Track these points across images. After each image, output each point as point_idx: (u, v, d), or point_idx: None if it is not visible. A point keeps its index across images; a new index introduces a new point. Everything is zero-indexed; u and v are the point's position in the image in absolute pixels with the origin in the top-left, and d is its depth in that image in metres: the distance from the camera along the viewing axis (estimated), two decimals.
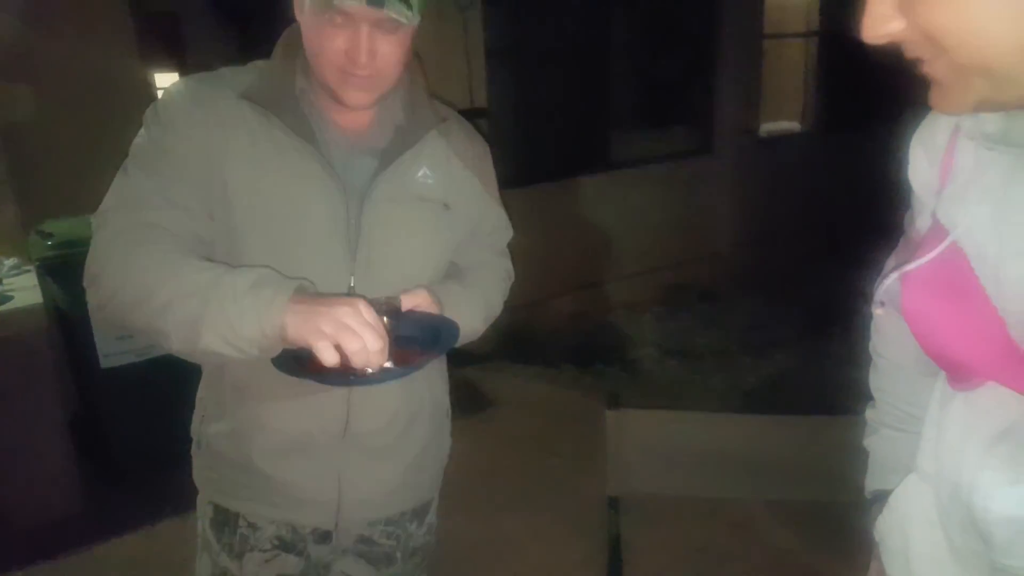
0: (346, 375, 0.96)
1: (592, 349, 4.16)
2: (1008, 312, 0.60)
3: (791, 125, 6.25)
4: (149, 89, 3.98)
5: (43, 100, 3.08)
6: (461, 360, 4.15)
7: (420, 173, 1.13)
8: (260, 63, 1.12)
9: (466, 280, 1.20)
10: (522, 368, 3.86)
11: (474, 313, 1.17)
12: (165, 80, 6.01)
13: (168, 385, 1.77)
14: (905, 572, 0.74)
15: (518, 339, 3.88)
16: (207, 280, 0.94)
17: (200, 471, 1.22)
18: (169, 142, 1.03)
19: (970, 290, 0.62)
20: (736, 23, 5.25)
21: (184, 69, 5.71)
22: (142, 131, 1.05)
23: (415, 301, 1.07)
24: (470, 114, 4.47)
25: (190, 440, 1.22)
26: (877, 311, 0.71)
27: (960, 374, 0.67)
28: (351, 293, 1.08)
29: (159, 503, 2.53)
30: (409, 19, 0.97)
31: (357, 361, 0.89)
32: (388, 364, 0.95)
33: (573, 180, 4.65)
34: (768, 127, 5.99)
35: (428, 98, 1.17)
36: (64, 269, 2.57)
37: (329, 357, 0.87)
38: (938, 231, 0.67)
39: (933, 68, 0.55)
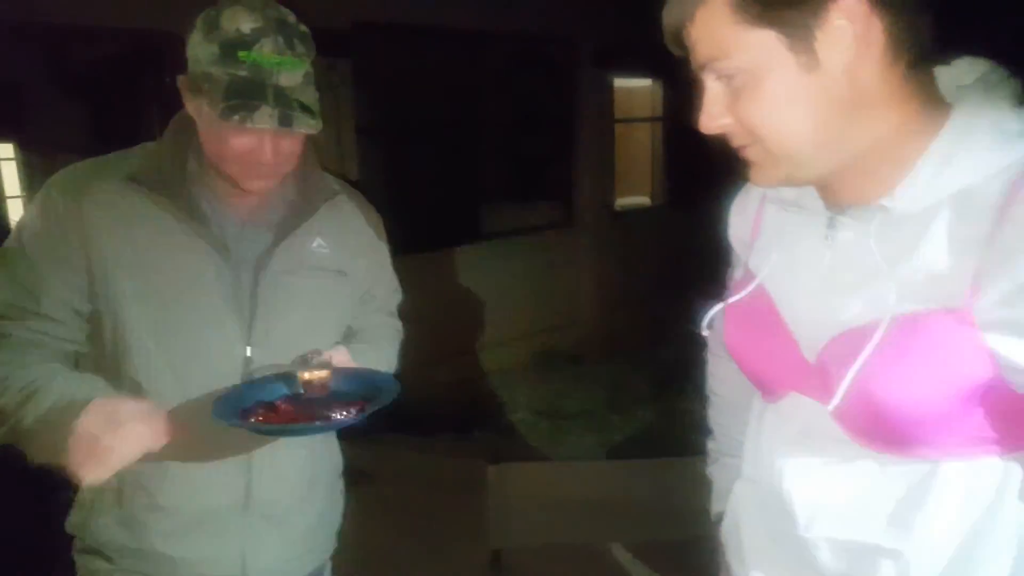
0: (284, 426, 1.00)
1: (468, 416, 4.21)
2: (800, 336, 0.76)
3: (642, 199, 6.80)
4: None
5: None
6: (336, 435, 4.03)
7: (315, 244, 1.17)
8: (149, 145, 1.14)
9: (368, 340, 1.26)
10: (399, 439, 3.83)
11: (381, 369, 1.21)
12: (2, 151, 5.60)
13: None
14: (740, 563, 0.87)
15: (394, 410, 3.86)
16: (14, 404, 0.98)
17: (88, 571, 1.15)
18: (39, 245, 1.04)
19: (773, 321, 0.79)
20: (590, 108, 5.71)
21: (24, 140, 5.37)
22: (15, 230, 1.06)
23: (337, 358, 1.12)
24: None
25: (65, 541, 1.17)
26: (704, 332, 0.86)
27: (768, 389, 0.83)
28: (248, 363, 1.10)
29: None
30: (314, 127, 1.01)
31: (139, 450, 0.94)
32: (341, 415, 1.01)
33: (444, 251, 4.78)
34: (622, 202, 6.48)
35: (320, 172, 1.22)
36: None
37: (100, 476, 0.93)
38: (749, 276, 0.84)
39: (751, 152, 0.72)
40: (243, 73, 0.98)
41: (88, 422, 0.93)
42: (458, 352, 4.81)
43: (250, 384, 1.09)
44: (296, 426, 1.04)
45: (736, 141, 0.72)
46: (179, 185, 1.08)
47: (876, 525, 0.72)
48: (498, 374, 4.84)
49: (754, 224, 0.87)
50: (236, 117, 0.96)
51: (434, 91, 4.70)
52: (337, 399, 1.06)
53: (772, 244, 0.81)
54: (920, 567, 0.70)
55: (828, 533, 0.76)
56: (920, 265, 0.66)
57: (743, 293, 0.82)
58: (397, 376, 1.15)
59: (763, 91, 0.67)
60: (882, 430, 0.70)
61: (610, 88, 5.88)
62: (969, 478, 0.68)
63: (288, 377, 1.09)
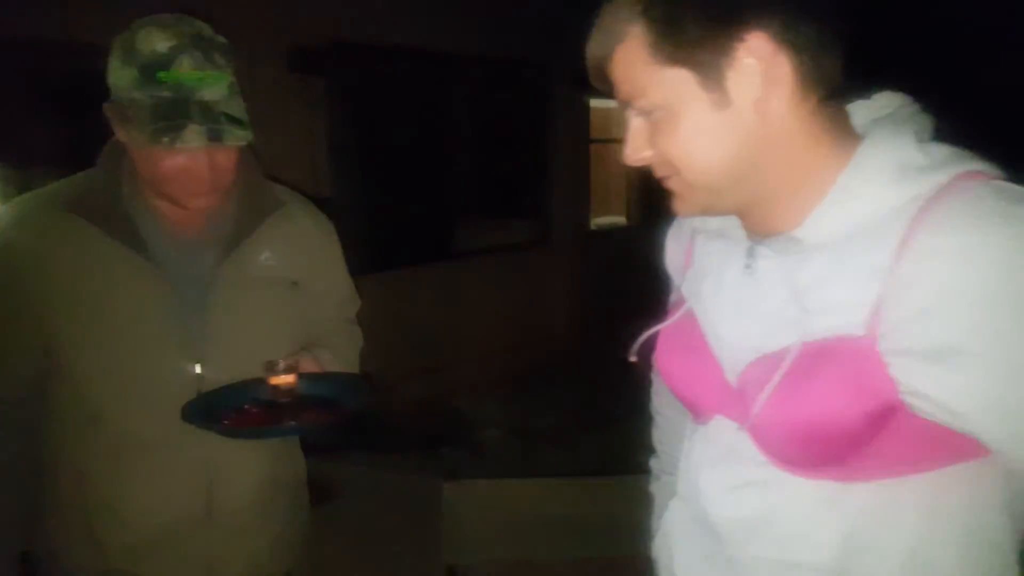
0: (257, 428, 1.03)
1: (437, 433, 4.21)
2: (723, 360, 0.79)
3: (618, 219, 6.87)
4: None
5: None
6: (303, 451, 4.02)
7: (263, 257, 1.17)
8: (82, 173, 1.14)
9: (328, 347, 1.26)
10: (367, 456, 3.82)
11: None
12: None
13: None
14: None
15: (364, 426, 3.86)
16: None
17: None
18: None
19: (700, 345, 0.81)
20: (566, 128, 5.79)
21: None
22: None
23: (304, 364, 1.13)
24: (314, 202, 4.51)
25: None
26: (632, 359, 0.89)
27: (696, 411, 0.85)
28: (200, 381, 1.11)
29: None
30: (245, 138, 1.02)
31: None
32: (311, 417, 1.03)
33: (418, 268, 4.80)
34: (597, 221, 6.54)
35: (265, 183, 1.22)
36: None
37: None
38: (680, 302, 0.87)
39: (672, 183, 0.75)
40: (166, 93, 0.98)
41: None
42: (430, 369, 4.81)
43: (219, 390, 1.11)
44: (268, 428, 1.07)
45: (658, 172, 0.75)
46: (115, 210, 1.09)
47: (793, 544, 0.74)
48: (469, 392, 4.84)
49: (687, 252, 0.90)
50: (165, 139, 0.96)
51: (409, 110, 4.75)
52: (306, 403, 1.09)
53: (701, 271, 0.84)
54: None
55: (751, 552, 0.77)
56: (829, 294, 0.68)
57: (673, 319, 0.86)
58: (365, 388, 1.16)
59: (679, 127, 0.70)
60: (794, 451, 0.72)
61: (586, 109, 5.96)
62: (882, 497, 0.70)
63: (257, 383, 1.11)
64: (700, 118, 0.69)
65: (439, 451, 3.99)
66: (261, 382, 1.10)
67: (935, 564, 0.70)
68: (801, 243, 0.70)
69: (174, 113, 0.97)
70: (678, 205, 0.76)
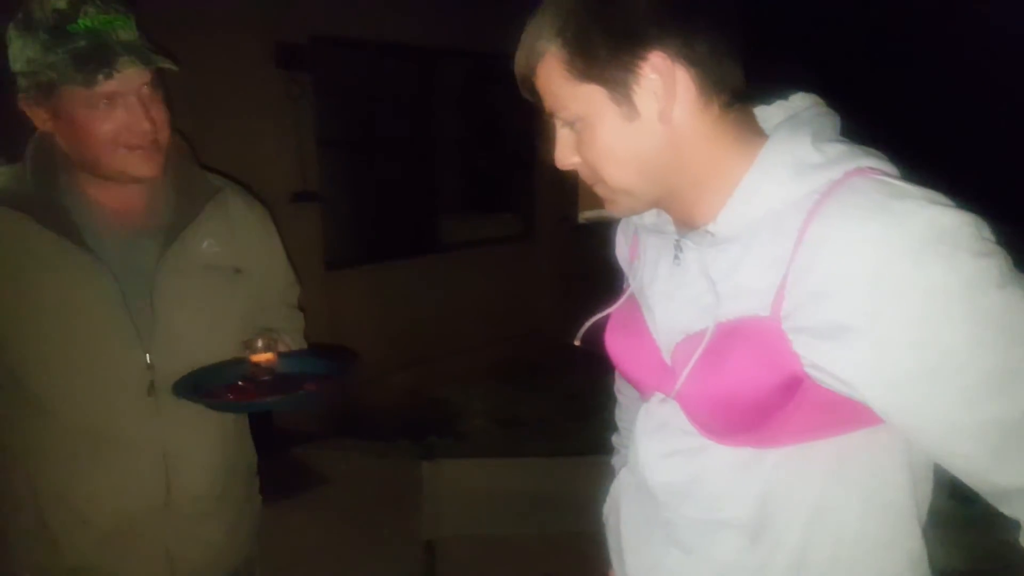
0: (246, 401, 1.04)
1: (425, 423, 4.28)
2: (659, 341, 0.87)
3: (603, 212, 6.91)
4: None
5: None
6: (293, 439, 4.11)
7: (205, 244, 1.16)
8: (8, 167, 1.11)
9: (280, 330, 1.27)
10: (355, 444, 3.89)
11: None
12: None
13: None
14: (617, 542, 0.97)
15: (353, 416, 3.93)
16: None
17: None
18: None
19: (641, 329, 0.89)
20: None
21: None
22: None
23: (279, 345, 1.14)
24: (302, 197, 4.56)
25: None
26: (576, 343, 0.98)
27: (640, 388, 0.94)
28: (151, 370, 1.10)
29: None
30: (172, 64, 1.03)
31: None
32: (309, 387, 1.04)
33: (406, 261, 4.86)
34: (588, 214, 6.59)
35: (199, 171, 1.21)
36: None
37: None
38: (626, 290, 0.96)
39: (599, 188, 0.83)
40: (82, 43, 0.97)
41: None
42: (417, 361, 4.88)
43: (203, 369, 1.11)
44: (279, 399, 1.08)
45: (585, 179, 0.84)
46: (48, 202, 1.06)
47: (717, 504, 0.82)
48: (456, 383, 4.91)
49: (632, 246, 0.98)
50: (100, 76, 0.96)
51: (395, 104, 4.79)
52: (287, 379, 1.11)
53: (642, 263, 0.93)
54: (765, 541, 0.80)
55: (682, 512, 0.85)
56: (740, 280, 0.76)
57: (616, 304, 0.95)
58: (354, 384, 1.20)
59: (596, 137, 0.78)
60: (714, 420, 0.80)
61: None
62: (793, 460, 0.78)
63: (238, 362, 1.12)
64: (613, 128, 0.76)
65: (426, 440, 4.07)
66: (240, 361, 1.12)
67: (840, 519, 0.78)
68: (715, 236, 0.78)
69: (99, 54, 0.97)
70: (608, 207, 0.85)
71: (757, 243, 0.75)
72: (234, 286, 1.20)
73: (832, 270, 0.69)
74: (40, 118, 1.04)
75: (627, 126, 0.76)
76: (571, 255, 6.02)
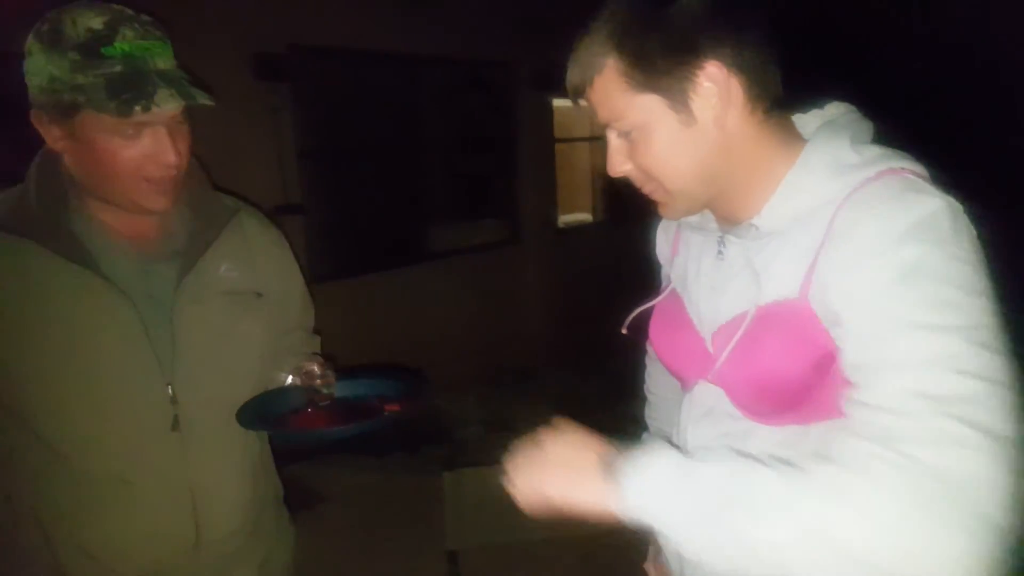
0: (332, 428, 0.99)
1: (419, 433, 4.22)
2: (703, 333, 0.90)
3: (584, 216, 6.96)
4: None
5: None
6: (287, 457, 4.00)
7: (223, 268, 1.10)
8: (11, 190, 1.03)
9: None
10: (348, 459, 3.82)
11: None
12: None
13: None
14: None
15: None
16: None
17: None
18: None
19: (684, 321, 0.93)
20: (531, 129, 5.85)
21: None
22: None
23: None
24: (284, 209, 4.50)
25: None
26: (623, 331, 1.00)
27: (683, 379, 0.96)
28: (174, 402, 1.04)
29: None
30: (211, 100, 0.97)
31: None
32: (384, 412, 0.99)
33: (392, 272, 4.81)
34: (565, 219, 6.62)
35: (214, 192, 1.15)
36: None
37: None
38: (668, 285, 1.00)
39: (653, 192, 0.87)
40: (117, 68, 0.91)
41: None
42: (407, 371, 4.82)
43: (260, 397, 1.06)
44: (366, 423, 1.00)
45: (638, 183, 0.87)
46: (57, 227, 0.98)
47: None
48: (448, 390, 4.86)
49: (674, 243, 1.03)
50: (137, 108, 0.89)
51: (376, 113, 4.76)
52: (349, 403, 1.06)
53: (685, 259, 0.97)
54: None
55: None
56: (778, 268, 0.80)
57: (660, 298, 0.99)
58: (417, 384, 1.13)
59: (654, 143, 0.81)
60: (756, 400, 0.82)
61: (550, 109, 6.03)
62: (833, 433, 0.77)
63: (292, 390, 1.07)
64: (671, 134, 0.81)
65: (421, 451, 4.01)
66: (296, 389, 1.07)
67: None
68: (758, 229, 0.82)
69: (136, 82, 0.90)
70: (663, 211, 0.89)
71: (794, 234, 0.79)
72: (255, 311, 1.14)
73: (841, 256, 0.74)
74: (53, 136, 0.97)
75: (685, 131, 0.81)
76: (556, 259, 6.04)
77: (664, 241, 1.07)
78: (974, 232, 0.73)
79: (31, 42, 0.94)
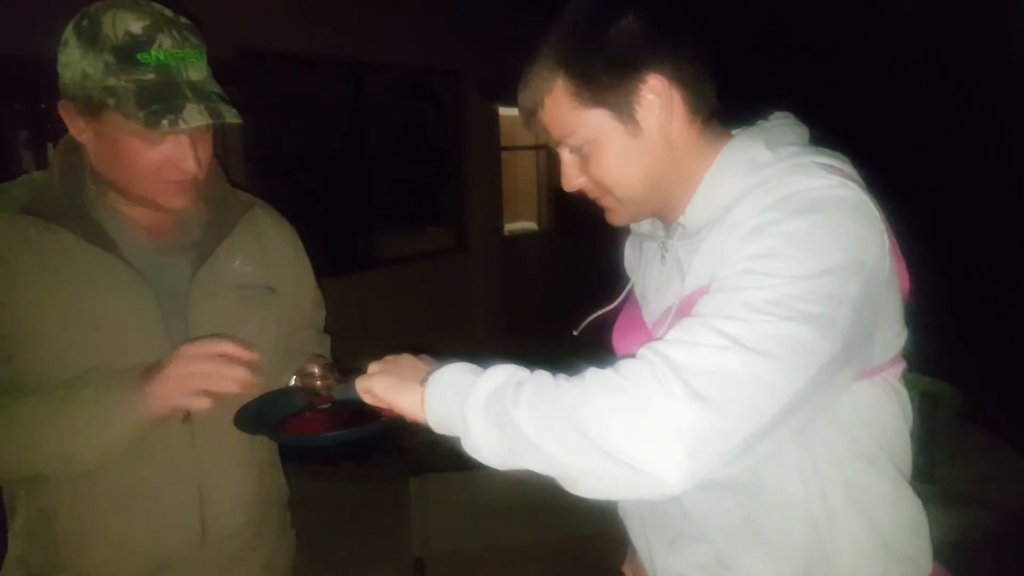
0: (330, 433, 0.97)
1: (366, 442, 4.19)
2: (652, 328, 0.95)
3: (530, 224, 7.05)
4: None
5: None
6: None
7: (237, 262, 1.11)
8: (35, 175, 1.03)
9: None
10: (302, 469, 3.77)
11: None
12: None
13: None
14: (639, 526, 1.02)
15: (294, 442, 3.80)
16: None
17: None
18: None
19: (639, 324, 0.99)
20: (478, 137, 5.90)
21: None
22: None
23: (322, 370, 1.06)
24: None
25: None
26: (575, 333, 1.06)
27: None
28: None
29: None
30: (238, 117, 0.96)
31: (228, 388, 0.91)
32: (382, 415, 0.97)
33: (339, 278, 4.77)
34: (511, 227, 6.69)
35: (230, 188, 1.16)
36: None
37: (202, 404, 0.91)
38: (627, 290, 1.06)
39: (605, 201, 0.93)
40: (150, 76, 0.90)
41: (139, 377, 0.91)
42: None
43: (261, 399, 1.03)
44: (368, 427, 0.98)
45: (592, 195, 0.93)
46: (80, 213, 0.98)
47: None
48: None
49: (638, 254, 1.09)
50: (164, 122, 0.89)
51: (324, 120, 4.73)
52: (348, 407, 1.01)
53: (644, 267, 1.04)
54: (765, 501, 0.87)
55: None
56: (697, 261, 0.87)
57: (615, 303, 1.06)
58: None
59: (604, 154, 0.88)
60: None
61: (496, 117, 6.10)
62: None
63: (293, 391, 1.05)
64: (620, 145, 0.87)
65: (371, 459, 3.99)
66: (295, 391, 1.05)
67: (828, 474, 0.85)
68: (684, 228, 0.89)
69: (167, 94, 0.90)
70: (610, 217, 0.95)
71: (714, 230, 0.86)
72: (268, 306, 1.14)
73: (728, 228, 0.81)
74: (77, 127, 0.97)
75: (632, 141, 0.87)
76: (502, 266, 6.10)
77: (632, 254, 1.12)
78: (869, 221, 0.77)
79: (68, 33, 0.93)
